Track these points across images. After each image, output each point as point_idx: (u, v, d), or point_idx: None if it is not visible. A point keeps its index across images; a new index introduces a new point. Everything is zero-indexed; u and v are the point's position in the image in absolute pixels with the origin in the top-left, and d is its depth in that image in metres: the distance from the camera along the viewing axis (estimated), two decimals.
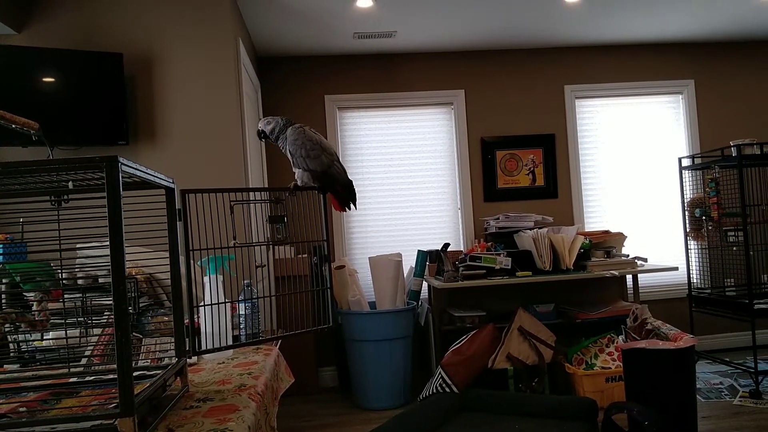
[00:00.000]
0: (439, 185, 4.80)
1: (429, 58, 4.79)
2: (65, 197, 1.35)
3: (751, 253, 3.94)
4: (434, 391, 3.72)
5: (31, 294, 1.71)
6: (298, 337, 4.17)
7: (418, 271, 4.28)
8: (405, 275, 4.28)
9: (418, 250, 4.31)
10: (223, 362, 1.78)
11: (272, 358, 1.84)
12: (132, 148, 3.12)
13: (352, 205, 1.78)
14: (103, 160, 1.00)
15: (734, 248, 4.15)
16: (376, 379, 3.95)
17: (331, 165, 1.72)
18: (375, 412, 3.88)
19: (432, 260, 4.29)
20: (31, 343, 1.68)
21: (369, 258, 4.18)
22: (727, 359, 4.29)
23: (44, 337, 1.68)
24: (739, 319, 3.99)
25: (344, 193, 1.75)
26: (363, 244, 4.71)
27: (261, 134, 1.82)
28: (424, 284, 4.34)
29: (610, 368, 3.76)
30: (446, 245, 4.18)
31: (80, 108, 2.97)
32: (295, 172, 1.78)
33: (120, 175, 1.00)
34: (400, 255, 4.14)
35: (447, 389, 3.67)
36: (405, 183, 4.76)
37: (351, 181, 1.77)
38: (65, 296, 1.66)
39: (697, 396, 3.58)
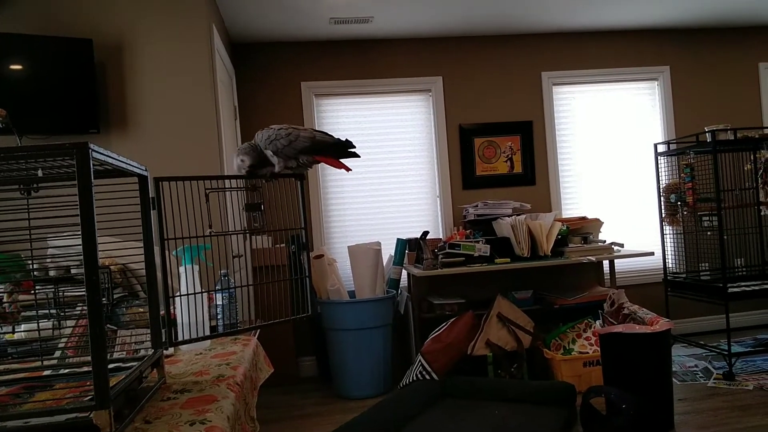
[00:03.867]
0: (418, 173, 4.79)
1: (406, 45, 4.77)
2: (34, 186, 1.31)
3: (725, 237, 4.00)
4: (414, 378, 3.73)
5: (1, 286, 1.66)
6: (277, 327, 4.15)
7: (397, 260, 4.27)
8: (384, 264, 4.28)
9: (397, 239, 4.31)
10: (201, 353, 1.76)
11: (251, 348, 1.82)
12: (103, 136, 3.06)
13: (355, 154, 1.75)
14: (74, 146, 0.96)
15: (709, 233, 4.22)
16: (357, 368, 3.95)
17: (314, 134, 1.70)
18: (355, 401, 3.88)
19: (411, 248, 4.29)
20: (2, 336, 1.63)
21: (348, 247, 4.17)
22: (702, 342, 4.36)
23: (15, 330, 1.64)
24: (713, 302, 4.06)
25: (341, 148, 1.72)
26: (341, 233, 4.69)
27: (251, 170, 1.73)
28: (404, 272, 4.34)
29: (587, 353, 3.80)
30: (425, 233, 4.18)
31: (49, 95, 2.89)
32: (274, 162, 1.75)
33: (91, 162, 0.97)
34: (379, 243, 4.13)
35: (427, 376, 3.68)
36: (383, 171, 4.74)
37: (339, 139, 1.74)
38: (37, 288, 1.62)
39: (673, 379, 3.64)
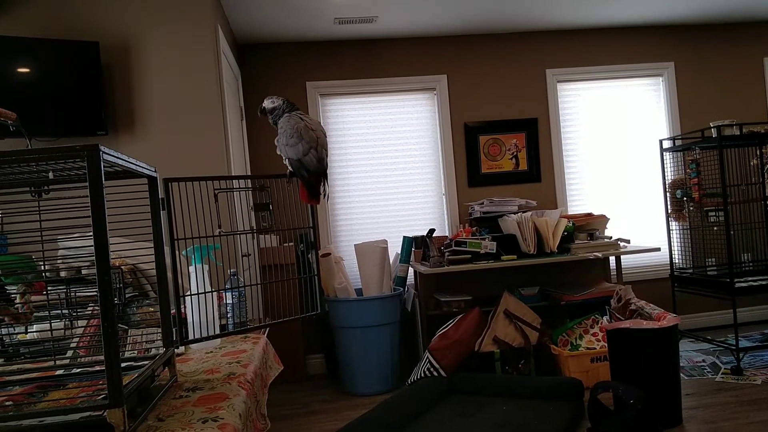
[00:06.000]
0: (424, 171, 4.80)
1: (411, 43, 4.77)
2: (45, 188, 1.33)
3: (732, 232, 3.99)
4: (422, 375, 3.74)
5: (14, 287, 1.68)
6: (286, 325, 4.17)
7: (404, 257, 4.28)
8: (391, 261, 4.29)
9: (404, 237, 4.32)
10: (211, 351, 1.77)
11: (260, 347, 1.83)
12: (111, 138, 3.08)
13: (322, 198, 1.74)
14: (84, 148, 0.98)
15: (715, 228, 4.20)
16: (364, 365, 3.96)
17: (307, 153, 1.70)
18: (363, 398, 3.90)
19: (417, 246, 4.30)
20: (15, 336, 1.65)
21: (355, 245, 4.18)
22: (709, 337, 4.36)
23: (28, 331, 1.66)
24: (720, 297, 4.05)
25: (312, 182, 1.71)
26: (348, 231, 4.71)
27: (262, 111, 1.83)
28: (410, 270, 4.35)
29: (594, 349, 3.80)
30: (431, 231, 4.19)
31: (57, 98, 2.92)
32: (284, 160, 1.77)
33: (102, 164, 0.98)
34: (385, 241, 4.14)
35: (435, 373, 3.70)
36: (389, 169, 4.75)
37: (323, 171, 1.73)
38: (48, 289, 1.64)
39: (681, 374, 3.64)
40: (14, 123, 1.70)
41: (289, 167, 1.73)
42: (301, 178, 1.69)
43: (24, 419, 1.01)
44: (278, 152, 1.74)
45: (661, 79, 5.06)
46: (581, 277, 4.56)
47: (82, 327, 1.61)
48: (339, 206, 4.71)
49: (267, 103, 1.82)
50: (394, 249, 4.44)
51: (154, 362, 1.26)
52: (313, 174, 1.70)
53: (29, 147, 2.16)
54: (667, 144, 4.59)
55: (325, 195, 1.74)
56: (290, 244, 4.31)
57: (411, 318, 4.37)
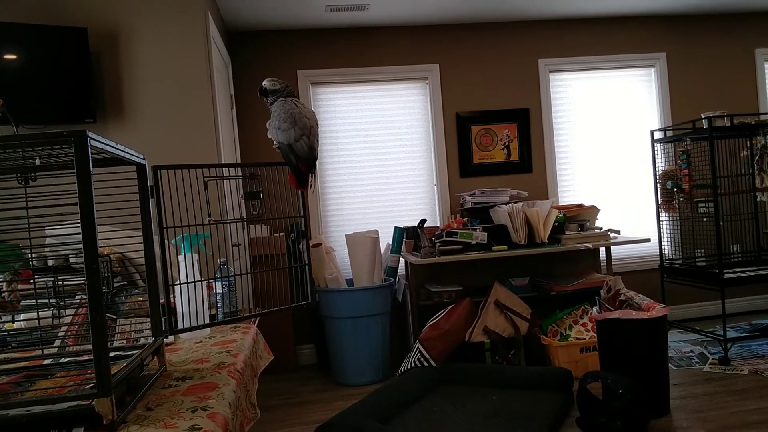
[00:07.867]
0: (415, 161, 4.79)
1: (403, 32, 4.74)
2: (32, 175, 1.31)
3: (721, 223, 4.01)
4: (412, 365, 3.75)
5: (0, 276, 1.66)
6: (276, 315, 4.15)
7: (395, 248, 4.28)
8: (382, 252, 4.28)
9: (395, 227, 4.32)
10: (201, 341, 1.76)
11: (250, 336, 1.83)
12: (100, 126, 3.05)
13: (309, 185, 1.71)
14: (71, 134, 0.96)
15: (705, 219, 4.22)
16: (355, 356, 3.96)
17: (299, 139, 1.68)
18: (354, 388, 3.90)
19: (409, 236, 4.30)
20: (2, 325, 1.64)
21: (345, 235, 4.17)
22: (698, 328, 4.39)
23: (15, 320, 1.65)
24: (709, 288, 4.08)
25: (303, 170, 1.69)
26: (339, 221, 4.69)
27: (262, 91, 1.79)
28: (401, 260, 4.35)
29: (584, 339, 3.82)
30: (423, 221, 4.18)
31: (44, 85, 2.88)
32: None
33: (89, 150, 0.97)
34: (376, 232, 4.13)
35: (425, 363, 3.70)
36: (381, 159, 4.74)
37: (314, 159, 1.71)
38: (36, 277, 1.62)
39: (669, 364, 3.66)
40: (1, 109, 1.68)
41: (279, 147, 1.71)
42: (289, 164, 1.67)
43: (11, 408, 1.00)
44: (269, 135, 1.72)
45: (652, 69, 5.07)
46: (571, 268, 4.58)
47: (70, 316, 1.60)
48: (330, 196, 4.69)
49: (268, 84, 1.78)
50: (385, 239, 4.44)
51: (143, 351, 1.25)
52: (302, 161, 1.68)
53: (16, 133, 2.13)
54: (658, 135, 4.60)
55: (312, 187, 1.72)
56: (281, 233, 4.29)
57: (402, 308, 4.37)
